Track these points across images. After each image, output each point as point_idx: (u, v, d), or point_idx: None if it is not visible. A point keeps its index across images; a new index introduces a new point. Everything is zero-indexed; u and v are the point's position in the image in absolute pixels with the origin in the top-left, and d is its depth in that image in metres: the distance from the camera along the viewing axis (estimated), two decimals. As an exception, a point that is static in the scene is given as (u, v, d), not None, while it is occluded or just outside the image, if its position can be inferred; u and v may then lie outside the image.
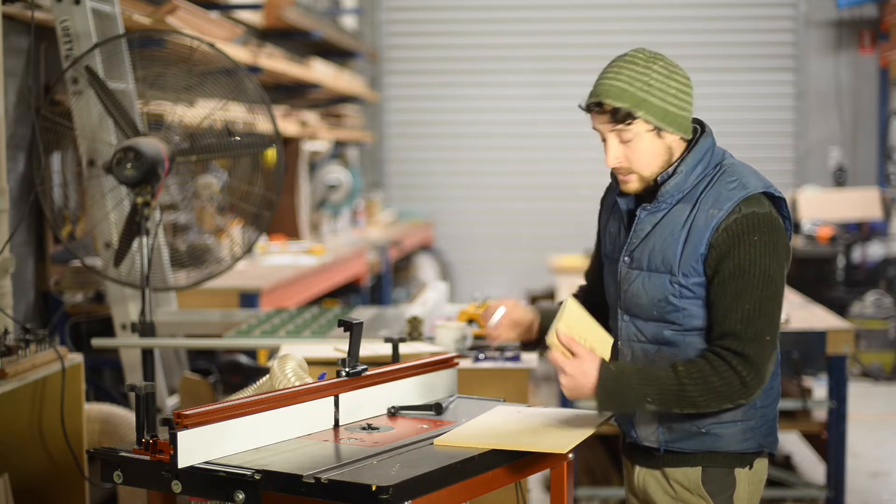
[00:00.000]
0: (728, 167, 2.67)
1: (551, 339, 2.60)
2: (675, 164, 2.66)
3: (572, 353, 2.59)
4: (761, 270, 2.56)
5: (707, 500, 2.69)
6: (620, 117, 2.59)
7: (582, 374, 2.57)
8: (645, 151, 2.63)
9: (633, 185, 2.69)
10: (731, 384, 2.54)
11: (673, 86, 2.61)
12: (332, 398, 2.71)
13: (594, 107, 2.62)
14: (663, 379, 2.56)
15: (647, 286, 2.67)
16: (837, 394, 4.89)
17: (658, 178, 2.67)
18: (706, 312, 2.63)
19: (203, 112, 4.49)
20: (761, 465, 2.76)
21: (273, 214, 4.61)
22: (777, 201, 2.64)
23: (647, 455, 2.77)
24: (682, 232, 2.62)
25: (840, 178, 10.10)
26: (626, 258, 2.72)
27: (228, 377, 5.08)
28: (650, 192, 2.70)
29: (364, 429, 2.69)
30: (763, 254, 2.57)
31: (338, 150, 10.11)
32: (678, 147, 2.66)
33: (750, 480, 2.72)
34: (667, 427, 2.71)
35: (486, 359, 3.87)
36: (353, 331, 2.78)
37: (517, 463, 2.59)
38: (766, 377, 2.58)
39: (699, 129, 2.71)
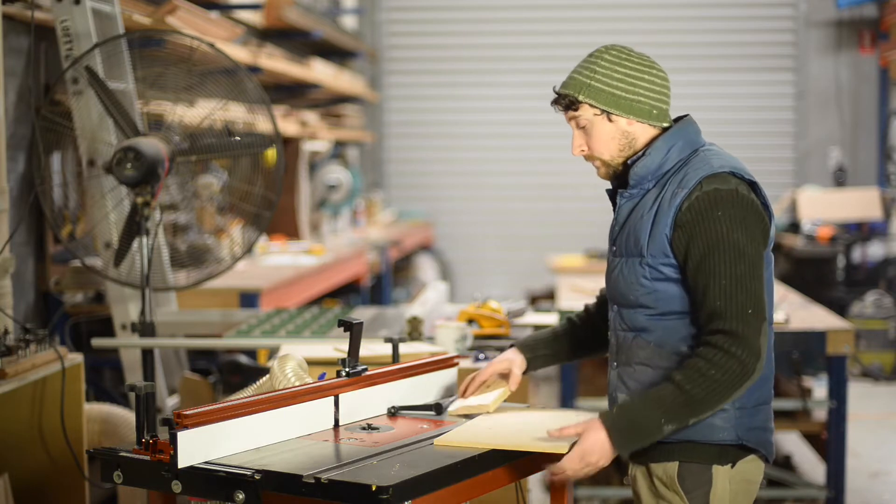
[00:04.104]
0: (704, 152, 2.69)
1: (543, 448, 2.55)
2: (646, 146, 2.70)
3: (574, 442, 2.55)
4: (730, 244, 2.53)
5: (681, 496, 2.62)
6: (566, 103, 2.70)
7: (597, 440, 2.53)
8: (598, 136, 2.69)
9: (601, 170, 2.76)
10: (729, 369, 2.49)
11: (620, 71, 2.66)
12: (332, 398, 2.71)
13: (553, 100, 2.74)
14: (666, 395, 2.52)
15: (624, 271, 2.68)
16: (837, 394, 4.89)
17: (629, 161, 2.71)
18: (682, 296, 2.60)
19: (203, 112, 4.49)
20: (748, 465, 2.66)
21: (273, 214, 4.61)
22: (752, 185, 2.62)
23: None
24: (650, 213, 2.64)
25: (840, 178, 10.10)
26: (612, 247, 2.75)
27: (228, 377, 5.08)
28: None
29: (364, 429, 2.69)
30: (730, 228, 2.54)
31: (338, 150, 10.11)
32: (644, 132, 2.69)
33: (732, 480, 2.63)
34: None
35: (486, 359, 3.87)
36: (353, 331, 2.78)
37: (517, 463, 2.59)
38: (762, 351, 2.52)
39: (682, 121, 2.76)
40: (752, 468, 2.67)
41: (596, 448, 2.53)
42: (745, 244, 2.54)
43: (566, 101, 2.70)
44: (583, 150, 2.74)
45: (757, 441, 2.65)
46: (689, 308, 2.60)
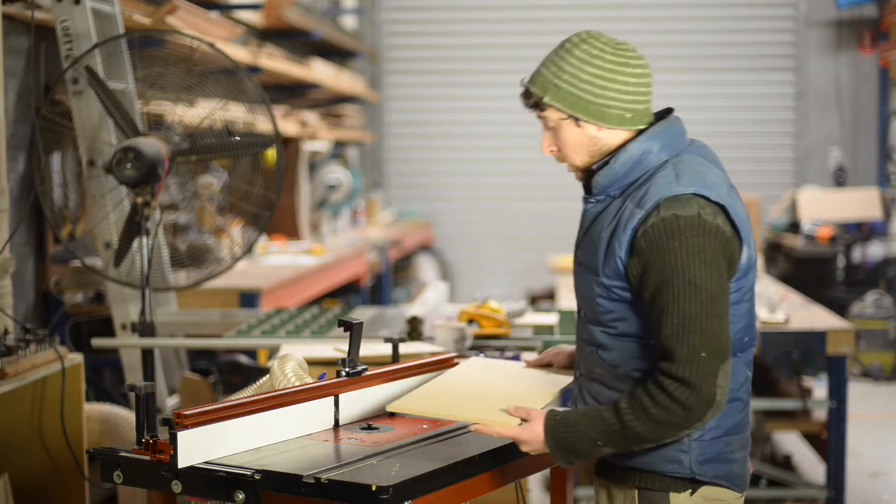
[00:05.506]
0: (676, 163, 2.44)
1: (489, 421, 2.48)
2: (614, 152, 2.48)
3: (523, 420, 2.46)
4: (684, 280, 2.32)
5: None
6: (532, 103, 2.49)
7: (533, 434, 2.43)
8: (568, 141, 2.49)
9: (576, 174, 2.56)
10: (672, 412, 2.32)
11: (590, 71, 2.43)
12: (332, 398, 2.71)
13: (522, 93, 2.53)
14: (607, 419, 2.38)
15: (581, 284, 2.52)
16: (837, 394, 4.89)
17: (594, 167, 2.50)
18: (639, 318, 2.42)
19: (203, 112, 4.49)
20: (712, 490, 2.49)
21: (273, 214, 4.61)
22: (722, 208, 2.38)
23: (598, 466, 2.63)
24: (608, 230, 2.44)
25: (840, 178, 10.10)
26: (577, 251, 2.58)
27: (228, 377, 5.08)
28: None
29: (364, 429, 2.69)
30: (686, 261, 2.33)
31: (338, 150, 10.11)
32: (617, 137, 2.47)
33: None
34: None
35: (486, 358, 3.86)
36: (353, 331, 2.78)
37: (517, 463, 2.59)
38: (714, 395, 2.33)
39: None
40: (719, 492, 2.50)
41: (530, 441, 2.44)
42: (703, 278, 2.33)
43: (532, 100, 2.49)
44: (552, 151, 2.53)
45: (714, 474, 2.48)
46: (647, 332, 2.42)
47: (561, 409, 2.48)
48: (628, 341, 2.45)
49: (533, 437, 2.44)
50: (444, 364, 3.07)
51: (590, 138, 2.48)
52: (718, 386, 2.34)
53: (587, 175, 2.54)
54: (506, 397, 2.58)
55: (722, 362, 2.34)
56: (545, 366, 2.84)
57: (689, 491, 2.47)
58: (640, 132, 2.48)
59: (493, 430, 2.47)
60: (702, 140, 2.59)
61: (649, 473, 2.48)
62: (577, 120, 2.46)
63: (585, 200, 2.54)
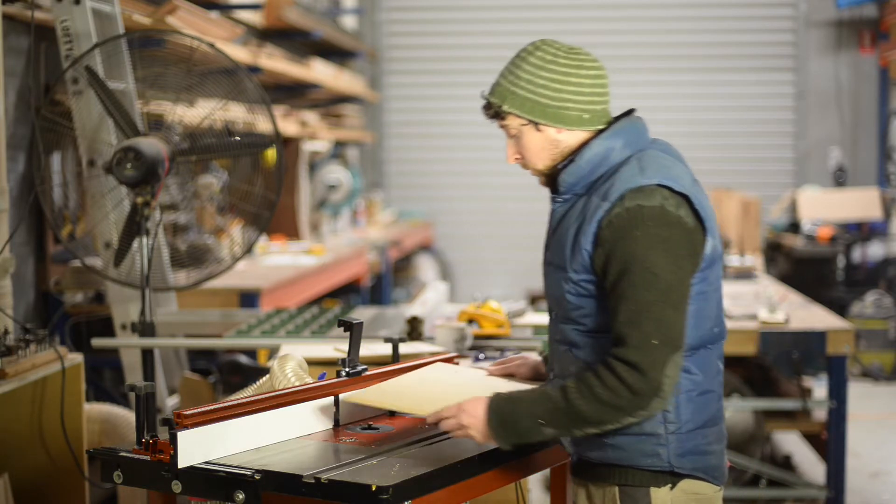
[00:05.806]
0: (640, 157, 2.49)
1: (430, 412, 2.52)
2: (576, 151, 2.54)
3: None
4: (643, 268, 2.36)
5: None
6: (492, 113, 2.56)
7: (475, 412, 2.45)
8: (529, 146, 2.56)
9: (540, 180, 2.62)
10: (618, 393, 2.34)
11: (544, 76, 2.50)
12: (332, 398, 2.71)
13: (483, 105, 2.59)
14: (551, 397, 2.40)
15: (551, 283, 2.55)
16: (837, 394, 4.89)
17: (559, 165, 2.56)
18: (606, 313, 2.44)
19: (203, 112, 4.49)
20: (692, 483, 2.50)
21: (273, 214, 4.61)
22: (686, 199, 2.42)
23: (575, 466, 2.63)
24: (574, 225, 2.48)
25: (840, 178, 10.10)
26: (546, 252, 2.60)
27: (228, 377, 5.08)
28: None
29: (364, 429, 2.69)
30: (647, 249, 2.36)
31: (338, 150, 10.11)
32: (576, 138, 2.53)
33: (675, 500, 2.49)
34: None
35: (486, 359, 3.87)
36: (353, 331, 2.78)
37: (517, 463, 2.59)
38: (661, 383, 2.35)
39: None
40: (698, 485, 2.52)
41: (472, 412, 2.45)
42: (662, 268, 2.36)
43: (492, 111, 2.56)
44: (517, 159, 2.60)
45: (693, 466, 2.49)
46: None
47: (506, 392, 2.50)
48: (599, 337, 2.48)
49: (475, 409, 2.45)
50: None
51: (550, 141, 2.54)
52: (667, 376, 2.36)
53: (551, 177, 2.60)
54: (463, 397, 2.58)
55: (673, 353, 2.37)
56: (508, 376, 2.86)
57: (669, 486, 2.49)
58: (601, 132, 2.54)
59: (436, 416, 2.49)
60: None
61: (628, 469, 2.49)
62: (536, 124, 2.54)
63: (553, 200, 2.59)
